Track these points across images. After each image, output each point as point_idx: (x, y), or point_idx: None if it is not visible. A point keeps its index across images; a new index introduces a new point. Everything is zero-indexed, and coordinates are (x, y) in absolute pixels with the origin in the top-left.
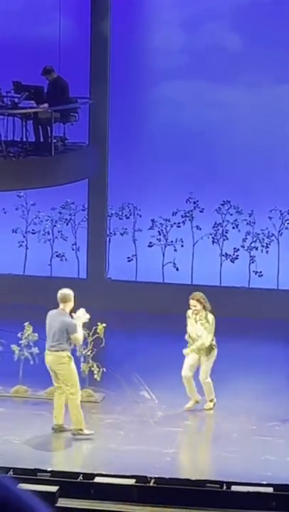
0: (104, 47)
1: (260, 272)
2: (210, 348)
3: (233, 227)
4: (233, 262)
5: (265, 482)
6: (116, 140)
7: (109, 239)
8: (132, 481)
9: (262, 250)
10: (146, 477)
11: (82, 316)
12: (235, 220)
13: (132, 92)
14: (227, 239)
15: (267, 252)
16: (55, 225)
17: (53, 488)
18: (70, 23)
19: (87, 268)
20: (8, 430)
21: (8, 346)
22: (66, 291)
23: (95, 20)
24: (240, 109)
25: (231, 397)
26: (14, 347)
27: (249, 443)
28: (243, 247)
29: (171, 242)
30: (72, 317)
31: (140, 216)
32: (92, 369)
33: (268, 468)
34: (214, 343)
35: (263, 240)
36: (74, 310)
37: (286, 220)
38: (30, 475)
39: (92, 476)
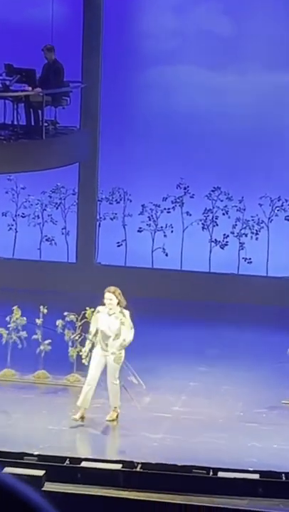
0: (96, 30)
1: (250, 259)
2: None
3: (223, 214)
4: (222, 248)
5: (251, 469)
6: (107, 124)
7: (99, 223)
8: (118, 466)
9: (251, 237)
10: (132, 462)
11: None
12: (226, 206)
13: (124, 76)
14: (217, 225)
15: (256, 239)
16: (45, 209)
17: (40, 472)
18: (62, 6)
19: (76, 252)
20: None
21: None
22: None
23: (88, 3)
24: (231, 95)
25: (219, 383)
26: (2, 330)
27: (236, 429)
28: (232, 233)
29: (161, 227)
30: None
31: (130, 201)
32: (80, 354)
33: (254, 454)
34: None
35: (253, 226)
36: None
37: (276, 207)
38: (17, 458)
39: (79, 460)
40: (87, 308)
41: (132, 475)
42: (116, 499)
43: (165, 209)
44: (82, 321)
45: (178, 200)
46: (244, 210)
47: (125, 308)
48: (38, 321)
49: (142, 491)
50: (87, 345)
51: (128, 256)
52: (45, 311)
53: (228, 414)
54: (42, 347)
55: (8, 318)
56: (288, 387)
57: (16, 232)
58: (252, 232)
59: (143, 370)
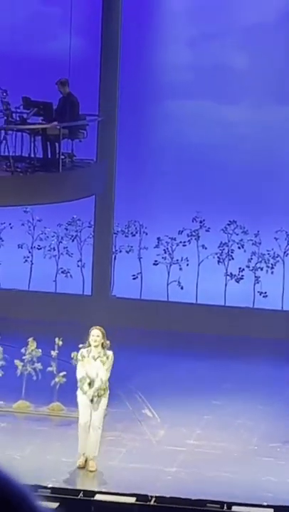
0: (113, 64)
1: (265, 293)
2: (105, 389)
3: (239, 247)
4: (238, 282)
5: (265, 503)
6: (123, 157)
7: (115, 256)
8: (132, 499)
9: (267, 271)
10: (147, 496)
11: None
12: (241, 239)
13: (140, 110)
14: (232, 259)
15: (272, 272)
16: (60, 241)
17: (54, 505)
18: (80, 39)
19: (92, 285)
20: (10, 445)
21: (11, 361)
22: None
23: (105, 36)
24: (246, 129)
25: (234, 417)
26: (17, 362)
27: (250, 463)
28: (248, 267)
29: (177, 260)
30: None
31: (146, 234)
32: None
33: (268, 489)
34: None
35: (269, 260)
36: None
37: None
38: None
39: (93, 493)
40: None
41: (145, 508)
42: None
43: (181, 242)
44: None
45: (194, 234)
46: (260, 243)
47: (109, 349)
48: (53, 353)
49: None
50: (86, 388)
51: (143, 289)
52: (60, 343)
53: (242, 448)
54: (57, 379)
55: (23, 350)
56: None
57: (32, 264)
58: (267, 266)
59: (157, 403)
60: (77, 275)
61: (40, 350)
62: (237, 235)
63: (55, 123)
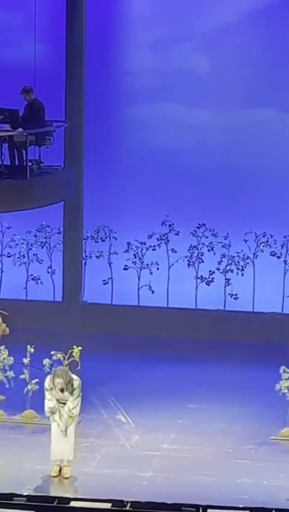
0: (79, 70)
1: (236, 295)
2: (74, 418)
3: (209, 250)
4: (208, 284)
5: (241, 505)
6: (91, 163)
7: (85, 262)
8: (108, 505)
9: (237, 273)
10: (122, 501)
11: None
12: (211, 242)
13: (107, 115)
14: (202, 262)
15: (242, 274)
16: (30, 248)
17: None
18: (45, 45)
19: (62, 291)
20: None
21: None
22: None
23: (70, 42)
24: (211, 132)
25: (208, 420)
26: None
27: (225, 466)
28: (218, 269)
29: (147, 265)
30: None
31: (116, 239)
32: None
33: (244, 491)
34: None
35: (239, 262)
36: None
37: (261, 243)
38: (6, 499)
39: (68, 500)
40: (74, 346)
41: None
42: None
43: (150, 246)
44: (70, 360)
45: (163, 238)
46: (229, 246)
47: (75, 374)
48: (26, 361)
49: None
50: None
51: (114, 294)
52: (32, 350)
53: (217, 451)
54: (29, 386)
55: None
56: (277, 423)
57: (2, 271)
58: (237, 268)
59: (131, 409)
60: (47, 282)
61: (12, 358)
62: (206, 237)
63: (21, 129)
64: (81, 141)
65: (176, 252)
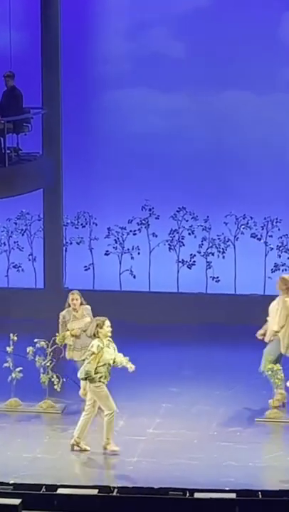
0: (55, 56)
1: (218, 277)
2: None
3: (189, 234)
4: (190, 268)
5: (227, 488)
6: (69, 149)
7: (66, 248)
8: (94, 491)
9: (218, 256)
10: (109, 487)
11: None
12: (191, 226)
13: (83, 101)
14: (183, 245)
15: (223, 257)
16: (10, 236)
17: (16, 501)
18: (20, 32)
19: (44, 278)
20: None
21: None
22: None
23: (45, 29)
24: (188, 115)
25: (192, 404)
26: None
27: (210, 449)
28: (199, 252)
29: (128, 249)
30: None
31: (96, 225)
32: (52, 380)
33: (230, 474)
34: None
35: (219, 245)
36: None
37: (241, 225)
38: None
39: (55, 487)
40: (57, 333)
41: (108, 500)
42: None
43: (131, 231)
44: (53, 347)
45: (143, 222)
46: (210, 229)
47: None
48: (9, 349)
49: None
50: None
51: (96, 279)
52: (15, 338)
53: (202, 435)
54: (13, 375)
55: None
56: (261, 405)
57: None
58: (218, 251)
59: (115, 394)
60: (29, 269)
61: None
62: (187, 221)
63: None
64: (59, 127)
65: (156, 236)
